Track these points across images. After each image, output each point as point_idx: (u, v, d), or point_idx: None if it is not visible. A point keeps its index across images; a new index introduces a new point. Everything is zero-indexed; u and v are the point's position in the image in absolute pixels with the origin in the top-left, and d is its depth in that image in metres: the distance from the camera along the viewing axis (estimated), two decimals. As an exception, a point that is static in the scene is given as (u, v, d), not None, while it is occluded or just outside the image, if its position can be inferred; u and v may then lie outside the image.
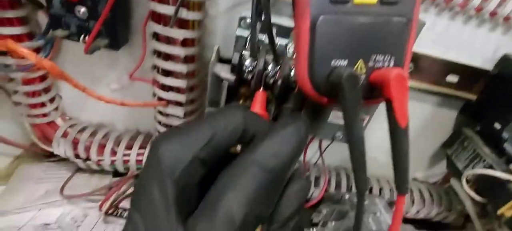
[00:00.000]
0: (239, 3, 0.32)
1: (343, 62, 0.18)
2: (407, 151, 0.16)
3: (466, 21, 0.33)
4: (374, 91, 0.16)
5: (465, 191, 0.34)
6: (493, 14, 0.31)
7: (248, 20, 0.33)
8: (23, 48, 0.20)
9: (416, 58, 0.34)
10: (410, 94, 0.34)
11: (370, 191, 0.43)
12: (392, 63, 0.18)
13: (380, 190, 0.42)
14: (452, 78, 0.36)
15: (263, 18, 0.24)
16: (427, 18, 0.32)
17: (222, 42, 0.35)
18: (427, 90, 0.36)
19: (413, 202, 0.43)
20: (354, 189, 0.44)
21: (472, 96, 0.37)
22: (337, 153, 0.42)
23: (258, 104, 0.21)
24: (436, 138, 0.43)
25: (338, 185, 0.43)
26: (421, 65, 0.34)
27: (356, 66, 0.18)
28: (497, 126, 0.34)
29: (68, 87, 0.41)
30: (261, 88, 0.24)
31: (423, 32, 0.30)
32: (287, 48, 0.30)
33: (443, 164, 0.43)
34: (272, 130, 0.14)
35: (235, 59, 0.23)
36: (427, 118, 0.41)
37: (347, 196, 0.37)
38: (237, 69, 0.24)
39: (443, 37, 0.34)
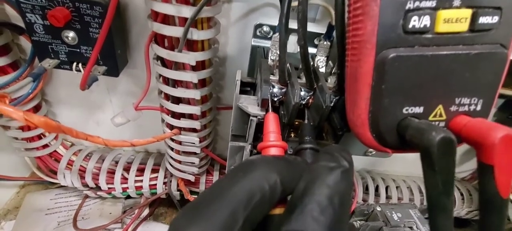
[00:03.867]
0: (253, 9, 0.27)
1: (418, 110, 0.14)
2: (504, 224, 0.13)
3: None
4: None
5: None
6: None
7: (265, 28, 0.29)
8: (7, 108, 0.16)
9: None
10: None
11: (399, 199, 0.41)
12: (479, 107, 0.15)
13: (410, 199, 0.40)
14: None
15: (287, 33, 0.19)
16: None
17: (235, 55, 0.30)
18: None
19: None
20: (382, 193, 0.41)
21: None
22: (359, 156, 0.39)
23: (274, 139, 0.17)
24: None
25: (366, 189, 0.42)
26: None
27: (434, 113, 0.15)
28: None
29: (66, 111, 0.37)
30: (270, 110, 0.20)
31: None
32: (316, 61, 0.26)
33: (473, 160, 0.41)
34: (318, 183, 0.12)
35: (266, 94, 0.19)
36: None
37: (378, 209, 0.34)
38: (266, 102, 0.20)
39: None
